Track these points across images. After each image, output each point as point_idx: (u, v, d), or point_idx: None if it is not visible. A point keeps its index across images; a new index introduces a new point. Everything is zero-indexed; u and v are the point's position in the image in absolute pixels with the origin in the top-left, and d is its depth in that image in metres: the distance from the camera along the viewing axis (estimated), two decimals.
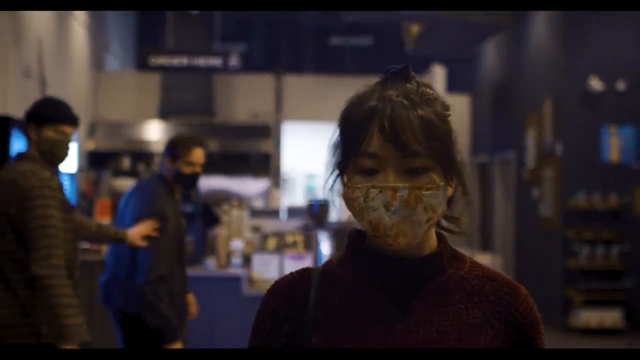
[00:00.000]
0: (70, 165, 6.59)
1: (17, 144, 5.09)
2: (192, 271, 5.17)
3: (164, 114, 12.39)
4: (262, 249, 6.88)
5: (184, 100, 12.47)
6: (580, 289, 9.04)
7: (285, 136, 13.33)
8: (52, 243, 3.25)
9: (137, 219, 4.16)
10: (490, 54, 12.58)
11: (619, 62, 9.29)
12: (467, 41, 12.43)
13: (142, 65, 10.73)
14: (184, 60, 10.66)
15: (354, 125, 1.30)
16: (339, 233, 6.84)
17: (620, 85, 9.25)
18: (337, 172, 1.37)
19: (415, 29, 11.76)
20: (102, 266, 4.41)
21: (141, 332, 4.10)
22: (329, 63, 16.06)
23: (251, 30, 16.65)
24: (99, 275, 4.43)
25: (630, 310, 9.09)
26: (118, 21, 13.96)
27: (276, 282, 1.39)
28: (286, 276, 1.39)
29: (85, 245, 5.82)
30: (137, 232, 4.06)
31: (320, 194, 13.12)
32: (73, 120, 3.48)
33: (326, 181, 1.40)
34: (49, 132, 3.41)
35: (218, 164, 11.39)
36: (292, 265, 6.17)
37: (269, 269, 6.12)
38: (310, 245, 6.97)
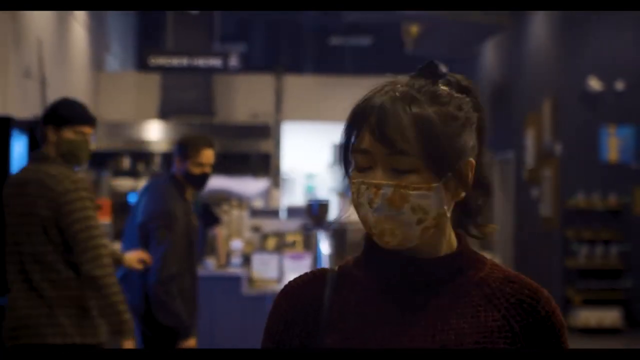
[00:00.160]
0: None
1: (17, 144, 5.10)
2: None
3: (164, 114, 12.40)
4: (262, 248, 6.89)
5: (184, 100, 12.48)
6: (579, 288, 9.05)
7: (285, 136, 13.34)
8: (99, 243, 3.33)
9: (146, 218, 4.24)
10: (490, 54, 12.59)
11: (618, 62, 9.31)
12: (467, 41, 12.45)
13: (142, 65, 10.75)
14: (183, 61, 10.68)
15: (351, 121, 1.29)
16: (338, 233, 6.85)
17: (619, 85, 9.27)
18: (343, 168, 1.35)
19: (414, 29, 11.77)
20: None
21: (156, 329, 4.18)
22: (328, 63, 16.07)
23: (251, 30, 16.66)
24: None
25: (630, 310, 9.10)
26: (118, 21, 13.97)
27: (289, 282, 1.37)
28: (300, 277, 1.38)
29: None
30: (134, 257, 4.14)
31: (320, 194, 13.13)
32: (92, 121, 3.51)
33: (337, 178, 1.44)
34: (69, 134, 3.43)
35: (218, 164, 11.37)
36: (291, 265, 6.19)
37: (268, 268, 6.14)
38: (310, 245, 6.99)
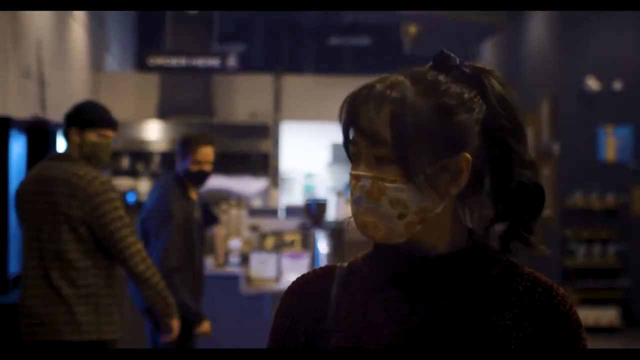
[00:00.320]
0: None
1: (16, 145, 5.12)
2: None
3: (163, 114, 12.42)
4: (260, 248, 6.91)
5: (183, 100, 12.50)
6: (577, 287, 9.07)
7: (284, 136, 13.36)
8: (135, 239, 3.49)
9: (145, 215, 4.42)
10: (488, 54, 12.61)
11: (616, 62, 9.33)
12: (465, 41, 12.47)
13: (141, 65, 10.77)
14: (182, 61, 10.70)
15: (341, 112, 1.26)
16: (336, 232, 6.88)
17: (617, 85, 9.29)
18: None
19: (413, 29, 11.79)
20: None
21: None
22: (327, 63, 16.09)
23: (250, 30, 16.67)
24: None
25: (627, 309, 9.13)
26: (117, 22, 13.98)
27: (296, 279, 1.34)
28: (307, 274, 1.34)
29: None
30: None
31: (319, 194, 13.11)
32: (115, 125, 3.63)
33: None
34: (92, 136, 3.54)
35: (217, 164, 11.39)
36: (289, 264, 6.20)
37: (266, 267, 6.15)
38: (308, 244, 7.01)
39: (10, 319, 3.87)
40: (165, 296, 3.60)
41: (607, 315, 8.99)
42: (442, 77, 1.23)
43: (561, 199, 9.32)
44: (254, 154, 12.39)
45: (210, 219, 6.74)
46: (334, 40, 15.45)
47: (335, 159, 14.00)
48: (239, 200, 8.41)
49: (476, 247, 1.27)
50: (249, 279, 6.16)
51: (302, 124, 13.58)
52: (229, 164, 11.63)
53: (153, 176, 11.28)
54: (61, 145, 3.71)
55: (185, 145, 4.46)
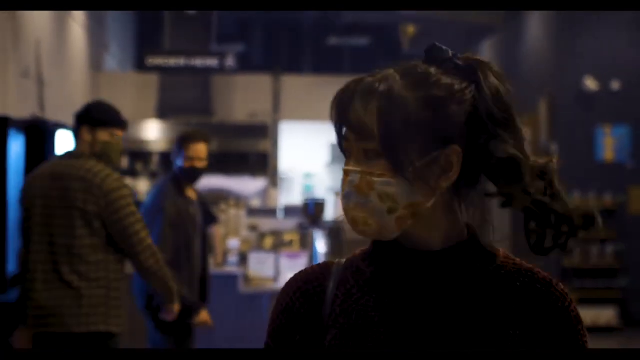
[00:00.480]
0: None
1: (15, 144, 5.13)
2: None
3: (162, 114, 12.43)
4: (259, 247, 6.92)
5: (182, 100, 12.51)
6: (575, 287, 9.09)
7: (283, 136, 13.37)
8: (146, 234, 3.63)
9: (142, 212, 4.44)
10: (486, 54, 12.62)
11: (613, 62, 9.34)
12: (464, 42, 12.48)
13: (140, 65, 10.78)
14: (181, 61, 10.72)
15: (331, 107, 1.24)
16: (334, 231, 6.89)
17: (615, 85, 9.31)
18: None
19: (411, 29, 11.81)
20: None
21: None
22: (326, 63, 16.10)
23: (249, 30, 16.69)
24: None
25: (625, 309, 9.15)
26: (116, 22, 13.99)
27: (294, 276, 1.32)
28: (304, 270, 1.33)
29: None
30: None
31: (318, 193, 13.11)
32: (125, 125, 3.75)
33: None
34: (104, 135, 3.64)
35: (216, 163, 11.42)
36: (288, 264, 6.22)
37: (265, 267, 6.16)
38: (307, 244, 7.02)
39: (9, 318, 3.91)
40: (170, 286, 3.81)
41: (605, 315, 9.01)
42: (432, 70, 1.22)
43: None
44: (253, 154, 12.40)
45: (209, 218, 6.77)
46: (333, 41, 15.47)
47: (334, 159, 14.02)
48: (238, 200, 8.43)
49: (473, 242, 1.26)
50: (247, 279, 6.17)
51: (301, 124, 13.59)
52: (227, 163, 11.65)
53: (152, 176, 11.28)
54: (67, 143, 3.78)
55: (179, 142, 4.53)
